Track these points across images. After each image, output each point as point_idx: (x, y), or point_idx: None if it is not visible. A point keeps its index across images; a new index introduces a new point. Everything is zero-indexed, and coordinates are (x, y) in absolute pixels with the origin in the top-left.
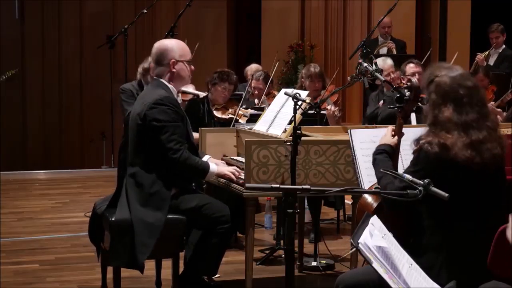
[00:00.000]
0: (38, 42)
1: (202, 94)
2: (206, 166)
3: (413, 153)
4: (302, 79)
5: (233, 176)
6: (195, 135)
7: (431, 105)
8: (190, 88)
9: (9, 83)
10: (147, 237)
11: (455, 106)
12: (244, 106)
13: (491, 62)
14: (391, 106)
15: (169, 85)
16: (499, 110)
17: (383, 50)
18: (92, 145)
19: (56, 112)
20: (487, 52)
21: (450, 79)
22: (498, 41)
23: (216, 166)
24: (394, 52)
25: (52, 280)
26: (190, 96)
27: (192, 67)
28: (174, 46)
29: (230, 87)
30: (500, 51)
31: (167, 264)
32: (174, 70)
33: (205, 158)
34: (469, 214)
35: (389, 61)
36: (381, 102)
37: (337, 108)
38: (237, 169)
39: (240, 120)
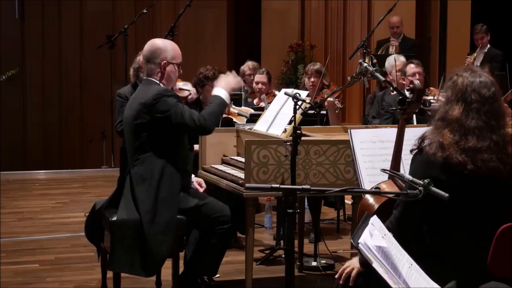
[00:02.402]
0: (38, 42)
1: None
2: (222, 102)
3: (411, 151)
4: (303, 78)
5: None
6: (195, 146)
7: (445, 100)
8: (188, 86)
9: (9, 83)
10: (162, 234)
11: (465, 107)
12: (241, 108)
13: (477, 62)
14: (393, 108)
15: (160, 84)
16: (505, 105)
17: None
18: (92, 145)
19: (56, 112)
20: (475, 54)
21: (468, 82)
22: (483, 41)
23: (224, 92)
24: (395, 52)
25: (52, 280)
26: (186, 93)
27: (181, 71)
28: (167, 47)
29: None
30: (486, 51)
31: (167, 264)
32: (164, 71)
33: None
34: (466, 219)
35: (402, 58)
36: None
37: (337, 99)
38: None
39: (235, 120)
